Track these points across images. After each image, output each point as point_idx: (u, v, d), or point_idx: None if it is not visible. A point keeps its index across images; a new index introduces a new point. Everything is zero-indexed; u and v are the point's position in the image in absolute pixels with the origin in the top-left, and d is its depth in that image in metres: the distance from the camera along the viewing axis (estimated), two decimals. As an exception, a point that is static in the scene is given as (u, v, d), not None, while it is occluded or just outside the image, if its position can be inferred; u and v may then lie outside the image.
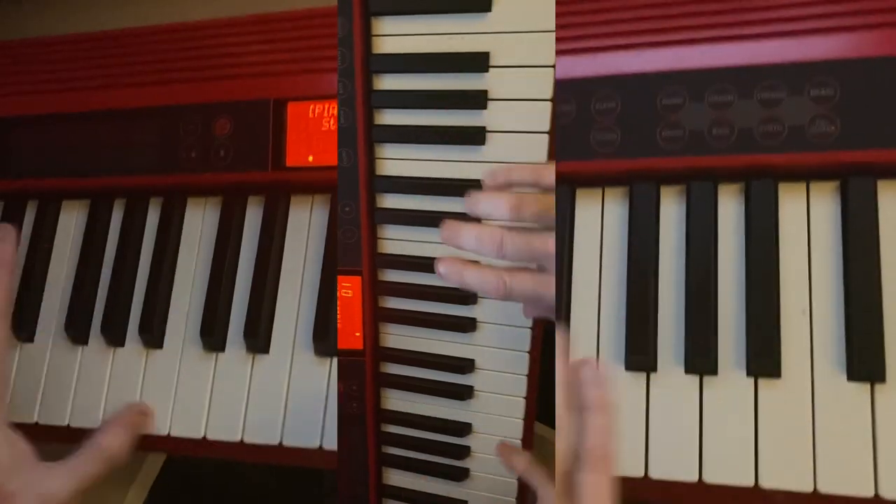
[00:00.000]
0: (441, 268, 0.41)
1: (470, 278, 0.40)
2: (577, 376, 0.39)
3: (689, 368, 0.47)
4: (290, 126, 0.52)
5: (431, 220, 0.49)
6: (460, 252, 0.41)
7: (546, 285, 0.39)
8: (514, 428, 0.51)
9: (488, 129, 0.47)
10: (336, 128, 0.51)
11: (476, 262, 0.41)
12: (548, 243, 0.39)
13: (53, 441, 0.52)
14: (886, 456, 0.43)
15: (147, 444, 0.53)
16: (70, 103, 0.58)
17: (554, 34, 0.44)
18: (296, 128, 0.52)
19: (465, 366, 0.51)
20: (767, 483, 0.44)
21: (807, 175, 0.47)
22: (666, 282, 0.49)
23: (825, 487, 0.43)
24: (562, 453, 0.38)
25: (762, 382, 0.45)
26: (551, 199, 0.40)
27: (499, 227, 0.40)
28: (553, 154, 0.45)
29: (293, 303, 0.52)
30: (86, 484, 0.45)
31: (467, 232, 0.40)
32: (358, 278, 0.51)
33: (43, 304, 0.58)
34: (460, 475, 0.52)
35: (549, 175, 0.41)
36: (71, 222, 0.59)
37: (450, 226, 0.41)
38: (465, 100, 0.47)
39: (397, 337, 0.53)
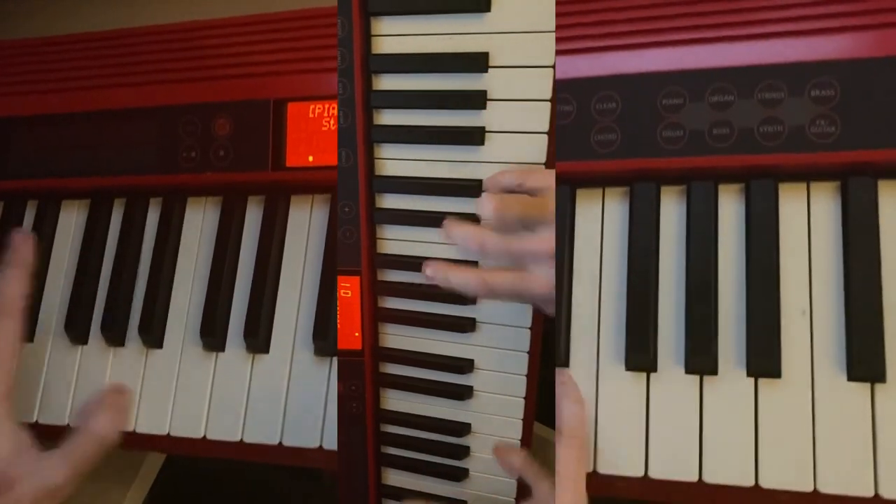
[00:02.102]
0: (428, 270, 0.45)
1: (454, 278, 0.44)
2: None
3: (690, 368, 0.47)
4: (290, 126, 0.52)
5: (431, 220, 0.49)
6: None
7: (524, 283, 0.42)
8: (513, 428, 0.50)
9: (487, 129, 0.47)
10: (336, 128, 0.51)
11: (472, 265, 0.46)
12: (524, 243, 0.42)
13: (53, 440, 0.52)
14: (886, 456, 0.43)
15: (147, 444, 0.53)
16: (70, 103, 0.57)
17: (554, 34, 0.44)
18: (296, 128, 0.52)
19: (465, 366, 0.51)
20: (767, 483, 0.44)
21: (807, 175, 0.47)
22: (666, 282, 0.49)
23: (825, 487, 0.43)
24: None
25: (762, 382, 0.45)
26: (538, 202, 0.42)
27: (483, 229, 0.44)
28: (553, 154, 0.46)
29: (293, 303, 0.52)
30: (81, 468, 0.47)
31: (458, 231, 0.45)
32: (357, 278, 0.51)
33: (42, 303, 0.57)
34: (460, 475, 0.52)
35: (533, 178, 0.43)
36: (71, 222, 0.59)
37: (447, 224, 0.45)
38: (464, 100, 0.47)
39: (397, 337, 0.53)
